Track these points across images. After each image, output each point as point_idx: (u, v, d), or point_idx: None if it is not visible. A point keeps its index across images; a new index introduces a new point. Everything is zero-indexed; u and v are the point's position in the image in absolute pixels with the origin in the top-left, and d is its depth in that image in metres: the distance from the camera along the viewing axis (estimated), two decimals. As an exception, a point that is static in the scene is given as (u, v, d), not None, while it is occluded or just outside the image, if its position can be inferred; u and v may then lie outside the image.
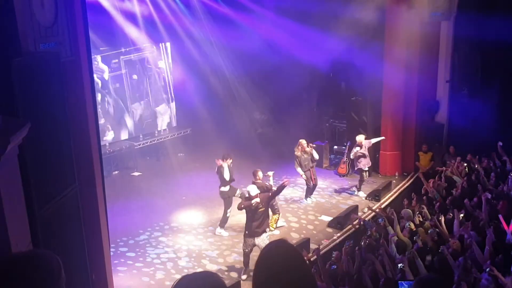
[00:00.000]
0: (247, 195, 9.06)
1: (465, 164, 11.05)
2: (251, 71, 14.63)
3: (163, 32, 14.14)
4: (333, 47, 13.01)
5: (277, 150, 13.91)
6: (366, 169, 12.22)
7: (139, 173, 13.66)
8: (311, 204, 11.76)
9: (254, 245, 8.76)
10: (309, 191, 11.79)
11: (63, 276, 2.19)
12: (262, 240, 8.64)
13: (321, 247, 9.78)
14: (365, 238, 8.38)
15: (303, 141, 11.54)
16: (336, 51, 13.07)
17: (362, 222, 9.81)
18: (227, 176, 10.20)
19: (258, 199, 8.81)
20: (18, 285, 2.05)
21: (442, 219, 8.20)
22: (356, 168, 12.35)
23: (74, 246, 5.19)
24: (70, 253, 5.07)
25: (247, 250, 8.88)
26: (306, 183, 11.71)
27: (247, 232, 8.89)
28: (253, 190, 8.95)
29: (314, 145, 11.76)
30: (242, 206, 8.92)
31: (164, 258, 9.53)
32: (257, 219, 8.78)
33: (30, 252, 2.17)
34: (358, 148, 12.06)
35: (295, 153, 11.50)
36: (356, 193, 12.31)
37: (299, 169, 11.50)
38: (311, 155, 11.47)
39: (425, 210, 9.18)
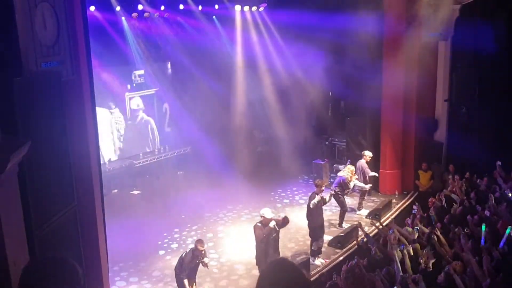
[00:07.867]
0: (259, 224, 8.42)
1: (464, 181, 11.01)
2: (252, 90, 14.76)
3: (163, 51, 14.31)
4: (333, 66, 13.14)
5: (277, 168, 13.94)
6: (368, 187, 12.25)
7: (138, 192, 13.62)
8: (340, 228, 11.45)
9: None
10: (343, 215, 11.56)
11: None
12: None
13: (321, 266, 9.72)
14: (359, 260, 7.97)
15: (353, 168, 11.69)
16: (336, 70, 13.19)
17: (366, 239, 9.61)
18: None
19: (274, 223, 8.35)
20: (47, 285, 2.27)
21: (443, 239, 8.11)
22: (358, 186, 12.25)
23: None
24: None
25: None
26: (342, 207, 11.48)
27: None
28: (268, 213, 8.42)
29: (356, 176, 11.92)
30: (264, 235, 8.25)
31: (165, 276, 9.39)
32: (272, 245, 8.43)
33: (55, 257, 2.42)
34: (366, 165, 12.18)
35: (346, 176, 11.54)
36: (357, 212, 12.27)
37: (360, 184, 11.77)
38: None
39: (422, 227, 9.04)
